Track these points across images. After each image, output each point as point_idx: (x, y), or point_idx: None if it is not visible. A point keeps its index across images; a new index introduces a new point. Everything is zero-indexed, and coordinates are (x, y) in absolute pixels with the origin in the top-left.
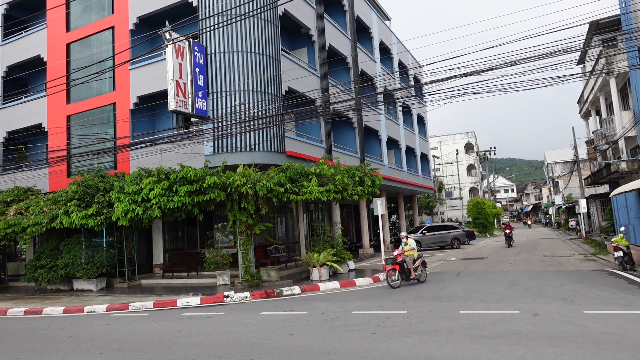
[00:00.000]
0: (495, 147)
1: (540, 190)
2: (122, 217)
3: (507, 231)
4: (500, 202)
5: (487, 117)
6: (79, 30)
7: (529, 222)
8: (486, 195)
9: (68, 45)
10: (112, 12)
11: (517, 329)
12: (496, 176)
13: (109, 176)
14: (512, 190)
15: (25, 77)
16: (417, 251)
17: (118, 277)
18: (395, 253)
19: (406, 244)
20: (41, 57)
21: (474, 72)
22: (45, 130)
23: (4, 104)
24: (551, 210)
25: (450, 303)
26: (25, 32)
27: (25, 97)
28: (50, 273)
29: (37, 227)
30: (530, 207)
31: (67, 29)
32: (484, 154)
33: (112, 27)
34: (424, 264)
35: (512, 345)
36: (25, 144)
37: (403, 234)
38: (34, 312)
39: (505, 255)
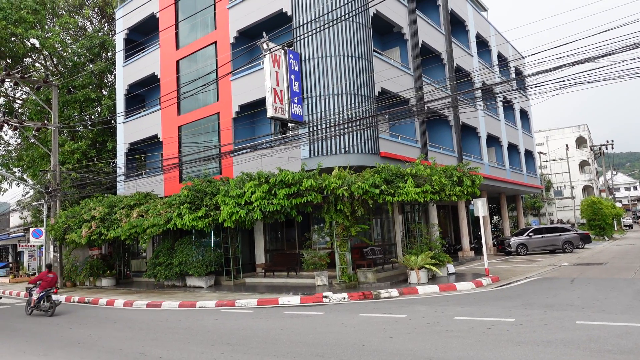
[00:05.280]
0: (612, 141)
1: None
2: (227, 219)
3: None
4: (621, 202)
5: (603, 108)
6: (187, 48)
7: None
8: (603, 194)
9: (178, 62)
10: (215, 28)
11: None
12: (615, 173)
13: (215, 181)
14: (635, 188)
15: (143, 94)
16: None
17: (225, 275)
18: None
19: None
20: (156, 74)
21: (587, 59)
22: (160, 140)
23: (126, 118)
24: None
25: (565, 312)
26: (142, 53)
27: (143, 111)
28: (167, 270)
29: (155, 228)
30: None
31: (177, 47)
32: (599, 149)
33: (215, 42)
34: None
35: None
36: (144, 153)
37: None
38: (154, 305)
39: (629, 260)
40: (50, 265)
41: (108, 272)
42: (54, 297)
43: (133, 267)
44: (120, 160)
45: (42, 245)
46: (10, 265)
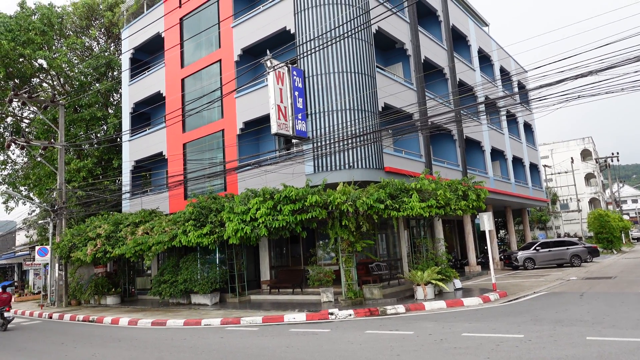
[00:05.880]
0: (618, 153)
1: None
2: (232, 236)
3: None
4: (628, 214)
5: (608, 120)
6: (192, 66)
7: None
8: (610, 207)
9: (183, 80)
10: (219, 47)
11: None
12: (621, 185)
13: (220, 197)
14: None
15: (148, 112)
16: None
17: (230, 292)
18: None
19: None
20: (161, 92)
21: (590, 73)
22: (165, 157)
23: (132, 136)
24: None
25: (574, 327)
26: (147, 71)
27: (148, 129)
28: (172, 288)
29: (160, 245)
30: None
31: (182, 66)
32: (605, 161)
33: (220, 60)
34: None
35: None
36: (149, 170)
37: None
38: (159, 324)
39: (638, 274)
40: (5, 287)
41: (113, 290)
42: (6, 314)
43: (138, 285)
44: (126, 177)
45: (47, 264)
46: (16, 283)
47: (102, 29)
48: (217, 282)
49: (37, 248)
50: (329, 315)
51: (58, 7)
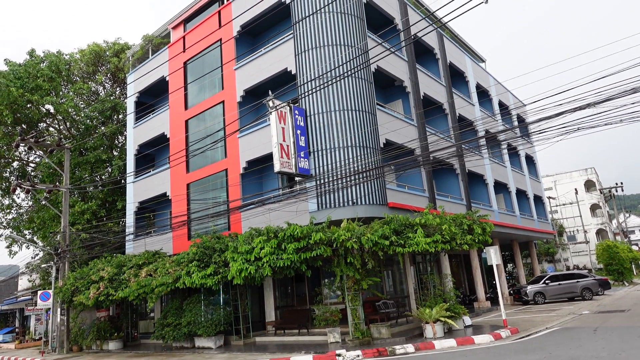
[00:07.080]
0: (622, 183)
1: None
2: (236, 276)
3: None
4: (637, 244)
5: (611, 150)
6: (195, 107)
7: None
8: (618, 238)
9: (187, 121)
10: (222, 89)
11: None
12: (627, 215)
13: (223, 237)
14: None
15: (153, 153)
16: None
17: (234, 334)
18: None
19: None
20: (165, 134)
21: (588, 105)
22: (169, 198)
23: (136, 178)
24: None
25: None
26: (152, 114)
27: (152, 170)
28: (175, 331)
29: (164, 287)
30: None
31: (186, 107)
32: (609, 192)
33: (223, 102)
34: None
35: None
36: (153, 211)
37: None
38: None
39: None
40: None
41: (115, 334)
42: None
43: (141, 329)
44: (130, 219)
45: (49, 309)
46: (17, 330)
47: (108, 74)
48: (221, 324)
49: (39, 292)
50: (337, 357)
51: (66, 54)
